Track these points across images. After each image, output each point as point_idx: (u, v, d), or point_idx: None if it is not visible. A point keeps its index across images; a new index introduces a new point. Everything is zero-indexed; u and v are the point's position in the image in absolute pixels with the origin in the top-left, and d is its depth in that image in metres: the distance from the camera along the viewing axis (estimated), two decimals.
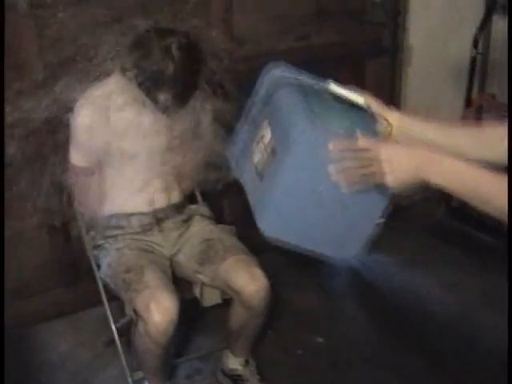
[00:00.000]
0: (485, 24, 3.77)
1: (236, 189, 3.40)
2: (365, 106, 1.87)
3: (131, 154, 2.48)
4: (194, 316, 2.96)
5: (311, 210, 1.79)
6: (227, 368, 2.76)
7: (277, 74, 1.93)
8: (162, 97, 2.28)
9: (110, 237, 2.58)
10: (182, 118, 2.49)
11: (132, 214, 2.59)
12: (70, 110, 2.44)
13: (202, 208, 2.82)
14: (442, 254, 3.69)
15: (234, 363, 2.74)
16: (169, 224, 2.64)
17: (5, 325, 2.83)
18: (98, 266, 2.63)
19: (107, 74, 2.43)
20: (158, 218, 2.61)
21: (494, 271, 3.38)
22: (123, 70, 2.32)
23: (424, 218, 3.99)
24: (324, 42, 3.44)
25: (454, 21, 3.85)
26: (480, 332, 3.05)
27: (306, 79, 1.93)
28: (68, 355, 2.95)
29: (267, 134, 1.89)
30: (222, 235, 2.64)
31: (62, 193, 2.85)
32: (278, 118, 1.87)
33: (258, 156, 1.92)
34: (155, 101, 2.30)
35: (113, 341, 2.64)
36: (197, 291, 2.57)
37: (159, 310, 2.27)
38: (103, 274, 2.56)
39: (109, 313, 2.64)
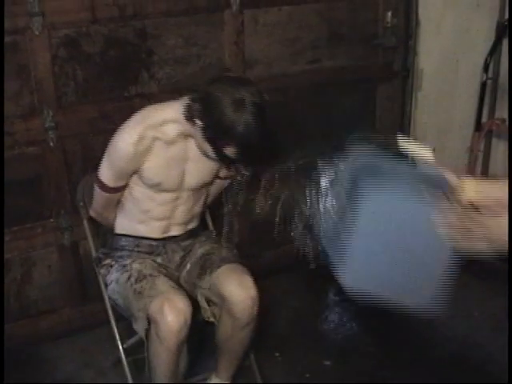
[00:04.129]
0: (495, 49, 3.79)
1: (243, 210, 3.44)
2: (433, 164, 1.81)
3: (162, 186, 2.47)
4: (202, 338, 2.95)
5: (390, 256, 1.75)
6: None
7: (356, 162, 1.89)
8: (230, 151, 2.27)
9: (118, 257, 2.58)
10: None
11: (143, 238, 2.59)
12: None
13: (208, 232, 2.84)
14: (450, 277, 3.66)
15: None
16: (172, 246, 2.64)
17: (11, 343, 2.85)
18: (106, 285, 2.62)
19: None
20: (164, 244, 2.63)
21: (502, 296, 3.36)
22: (189, 118, 2.30)
23: None
24: (335, 65, 3.45)
25: (465, 45, 3.86)
26: (489, 357, 3.03)
27: (381, 160, 1.88)
28: (74, 374, 2.95)
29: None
30: (221, 249, 2.66)
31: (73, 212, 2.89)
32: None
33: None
34: (220, 153, 2.29)
35: (119, 361, 2.63)
36: (205, 310, 2.55)
37: (172, 310, 2.26)
38: (111, 291, 2.54)
39: (116, 332, 2.63)
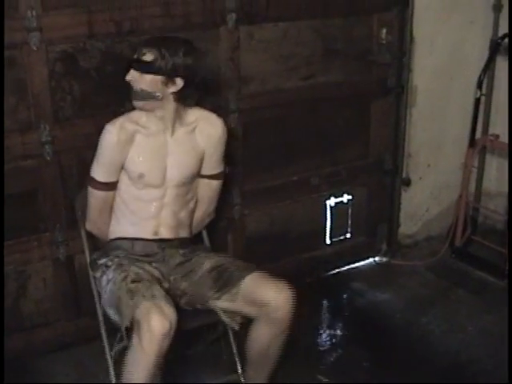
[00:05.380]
0: (489, 66, 3.82)
1: (240, 225, 3.46)
2: None
3: (146, 179, 2.57)
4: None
5: None
6: None
7: None
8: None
9: (114, 256, 2.61)
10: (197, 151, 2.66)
11: (135, 239, 2.64)
12: None
13: (204, 246, 2.88)
14: (445, 293, 3.69)
15: None
16: (171, 251, 2.66)
17: (6, 356, 2.85)
18: (99, 293, 2.64)
19: None
20: (162, 248, 2.65)
21: (496, 313, 3.38)
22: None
23: (427, 257, 3.99)
24: (330, 81, 3.47)
25: (459, 62, 3.89)
26: (483, 373, 3.03)
27: None
28: None
29: None
30: (229, 259, 2.68)
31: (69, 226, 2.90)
32: None
33: None
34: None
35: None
36: (224, 316, 2.56)
37: (159, 315, 2.25)
38: (107, 293, 2.53)
39: (106, 342, 2.67)
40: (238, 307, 2.52)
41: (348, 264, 3.95)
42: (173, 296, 2.54)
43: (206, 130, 2.68)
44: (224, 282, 2.54)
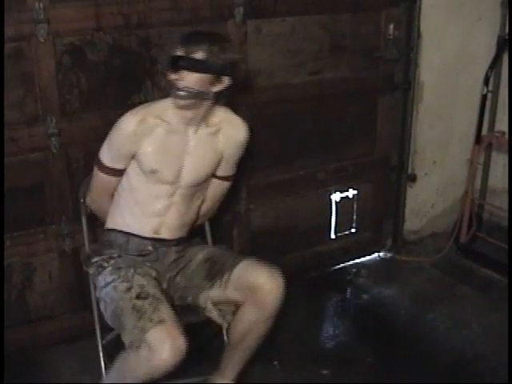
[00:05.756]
0: (496, 62, 3.81)
1: (245, 219, 3.46)
2: None
3: (158, 175, 2.52)
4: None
5: None
6: None
7: None
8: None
9: (109, 257, 2.58)
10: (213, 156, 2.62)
11: (131, 235, 2.60)
12: None
13: (197, 239, 2.82)
14: (450, 290, 3.69)
15: None
16: (164, 250, 2.64)
17: (11, 348, 2.86)
18: (95, 286, 2.63)
19: None
20: (156, 247, 2.62)
21: (502, 310, 3.38)
22: None
23: (432, 253, 3.99)
24: (337, 76, 3.47)
25: (466, 59, 3.88)
26: (488, 370, 3.03)
27: None
28: (73, 380, 2.95)
29: None
30: (222, 251, 2.69)
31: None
32: None
33: None
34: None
35: None
36: (214, 314, 2.54)
37: (173, 347, 2.20)
38: (104, 294, 2.49)
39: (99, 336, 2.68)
40: (229, 295, 2.51)
41: (353, 259, 3.95)
42: (170, 294, 2.55)
43: (228, 133, 2.62)
44: (216, 271, 2.54)
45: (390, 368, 3.06)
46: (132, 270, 2.49)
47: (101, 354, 2.69)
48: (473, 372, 3.03)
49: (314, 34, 3.34)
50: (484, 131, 3.94)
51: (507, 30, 3.80)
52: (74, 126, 2.87)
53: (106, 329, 2.62)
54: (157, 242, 2.61)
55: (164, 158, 2.51)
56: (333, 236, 3.83)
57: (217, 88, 2.45)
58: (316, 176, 3.61)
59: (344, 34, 3.44)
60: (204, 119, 2.55)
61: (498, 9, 3.84)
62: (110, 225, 2.67)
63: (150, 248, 2.61)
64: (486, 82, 3.79)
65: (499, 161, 4.16)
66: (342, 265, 3.91)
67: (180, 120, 2.51)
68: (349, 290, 3.70)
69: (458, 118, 4.00)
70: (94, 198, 2.70)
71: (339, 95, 3.51)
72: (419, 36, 3.65)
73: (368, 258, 4.01)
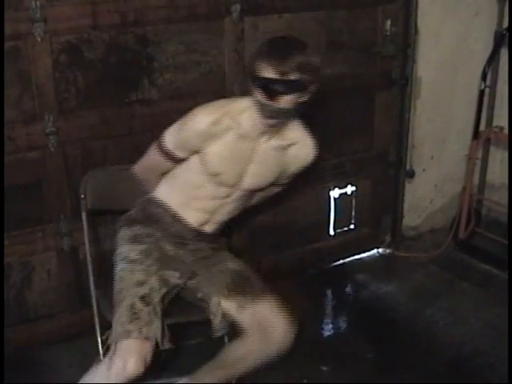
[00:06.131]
0: (493, 57, 3.81)
1: (243, 216, 3.45)
2: None
3: (220, 178, 2.47)
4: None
5: None
6: None
7: None
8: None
9: (148, 235, 2.51)
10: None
11: (178, 219, 2.55)
12: None
13: (225, 239, 2.77)
14: (449, 285, 3.69)
15: None
16: (201, 245, 2.59)
17: (10, 347, 2.86)
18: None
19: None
20: (196, 239, 2.58)
21: (501, 305, 3.38)
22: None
23: (431, 249, 4.00)
24: (334, 73, 3.46)
25: (463, 54, 3.88)
26: (487, 366, 3.04)
27: None
28: (73, 379, 2.93)
29: None
30: (251, 270, 2.62)
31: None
32: None
33: None
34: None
35: None
36: (216, 319, 2.50)
37: (139, 362, 2.21)
38: (119, 266, 2.46)
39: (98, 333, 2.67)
40: (241, 318, 2.48)
41: (352, 255, 3.96)
42: (185, 287, 2.53)
43: (297, 151, 2.56)
44: (242, 289, 2.50)
45: (389, 364, 3.07)
46: (155, 267, 2.43)
47: (100, 349, 2.66)
48: (472, 367, 3.03)
49: (311, 30, 3.33)
50: (482, 127, 3.93)
51: (504, 25, 3.79)
52: (72, 123, 2.87)
53: (105, 325, 2.62)
54: (198, 234, 2.58)
55: (229, 163, 2.45)
56: (332, 232, 3.83)
57: (303, 99, 2.35)
58: (314, 172, 3.60)
59: (341, 30, 3.43)
60: (279, 130, 2.47)
61: (495, 3, 3.84)
62: (159, 195, 2.60)
63: (190, 236, 2.57)
64: (484, 77, 3.79)
65: (497, 156, 4.17)
66: (341, 261, 3.91)
67: (255, 126, 2.41)
68: (348, 287, 3.71)
69: (455, 113, 4.00)
70: (140, 171, 2.63)
71: (337, 91, 3.50)
72: (416, 32, 3.64)
73: (367, 254, 4.01)
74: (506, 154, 4.08)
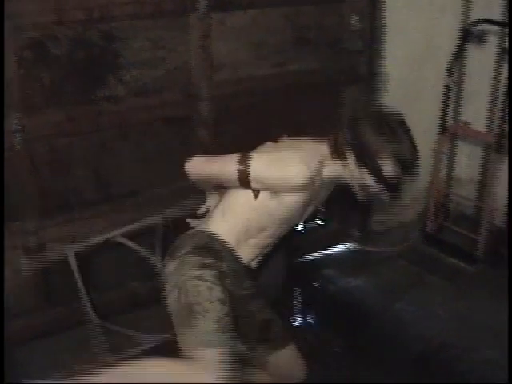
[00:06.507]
0: (459, 53, 3.84)
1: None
2: None
3: (288, 221, 2.42)
4: None
5: None
6: None
7: None
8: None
9: (207, 266, 2.33)
10: None
11: (228, 250, 2.40)
12: None
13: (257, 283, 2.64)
14: (417, 279, 3.71)
15: None
16: (241, 281, 2.47)
17: None
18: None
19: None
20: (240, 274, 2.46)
21: (468, 299, 3.42)
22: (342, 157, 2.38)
23: (400, 243, 4.02)
24: (301, 68, 3.48)
25: (430, 50, 3.91)
26: (455, 358, 3.06)
27: None
28: (43, 376, 2.93)
29: None
30: (276, 317, 2.60)
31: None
32: None
33: None
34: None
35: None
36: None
37: (225, 371, 2.18)
38: (189, 283, 2.30)
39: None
40: (259, 361, 2.57)
41: (320, 251, 3.97)
42: None
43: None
44: (266, 339, 2.54)
45: (358, 357, 3.09)
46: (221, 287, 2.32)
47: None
48: (440, 360, 3.06)
49: (278, 26, 3.34)
50: (449, 121, 3.96)
51: (470, 20, 3.82)
52: (37, 121, 2.85)
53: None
54: (247, 270, 2.48)
55: (300, 211, 2.40)
56: (300, 228, 3.83)
57: None
58: None
59: (308, 26, 3.45)
60: None
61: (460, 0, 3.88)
62: (216, 230, 2.41)
63: (242, 274, 2.46)
64: (450, 72, 3.82)
65: (464, 151, 4.20)
66: (310, 256, 3.92)
67: (331, 175, 2.43)
68: (317, 282, 3.71)
69: (423, 109, 4.02)
70: (195, 170, 2.43)
71: (304, 87, 3.51)
72: (383, 28, 3.66)
73: (336, 249, 4.02)
74: (472, 149, 4.12)
